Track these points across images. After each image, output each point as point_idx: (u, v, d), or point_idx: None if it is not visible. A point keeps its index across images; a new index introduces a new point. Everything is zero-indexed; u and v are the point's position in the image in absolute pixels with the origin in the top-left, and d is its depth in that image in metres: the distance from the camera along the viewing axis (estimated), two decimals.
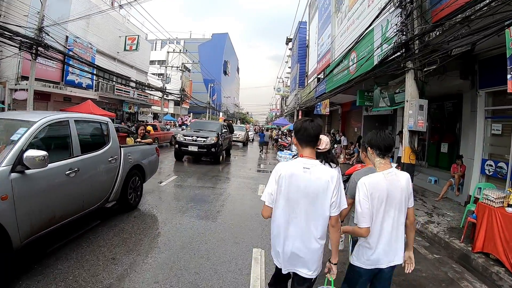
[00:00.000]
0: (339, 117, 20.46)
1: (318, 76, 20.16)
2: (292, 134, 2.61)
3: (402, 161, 6.15)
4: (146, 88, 27.88)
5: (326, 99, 14.02)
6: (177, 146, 12.65)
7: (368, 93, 10.65)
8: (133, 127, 17.84)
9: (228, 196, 7.49)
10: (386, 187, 2.07)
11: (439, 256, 4.64)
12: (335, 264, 2.08)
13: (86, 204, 4.26)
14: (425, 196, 8.11)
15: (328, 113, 16.09)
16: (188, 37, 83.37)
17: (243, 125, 36.93)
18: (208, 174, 10.27)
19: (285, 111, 43.30)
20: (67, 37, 19.85)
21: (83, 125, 4.53)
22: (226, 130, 14.95)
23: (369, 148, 2.25)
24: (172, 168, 11.14)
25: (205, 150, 12.27)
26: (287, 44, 44.76)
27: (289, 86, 47.05)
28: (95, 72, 21.08)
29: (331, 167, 2.65)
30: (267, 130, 34.22)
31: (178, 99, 31.82)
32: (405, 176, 2.17)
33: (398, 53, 6.00)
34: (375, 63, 7.29)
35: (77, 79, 21.09)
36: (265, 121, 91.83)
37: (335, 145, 16.92)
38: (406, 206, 2.18)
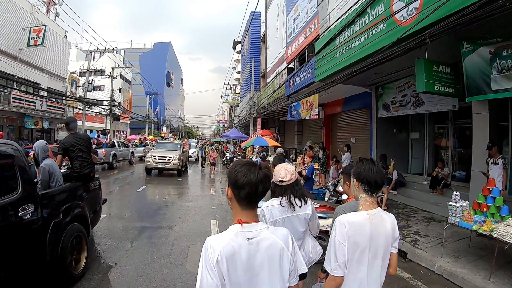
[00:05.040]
0: (321, 123, 15.06)
1: (290, 66, 15.17)
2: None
3: None
4: (63, 98, 21.65)
5: (315, 93, 9.69)
6: None
7: (438, 67, 5.54)
8: None
9: None
10: (369, 232, 1.71)
11: None
12: None
13: None
14: None
15: (316, 116, 11.39)
16: (129, 47, 76.17)
17: (177, 142, 21.77)
18: None
19: (235, 121, 38.49)
20: None
21: None
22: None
23: (355, 180, 1.84)
24: None
25: None
26: (234, 47, 41.32)
27: (239, 93, 43.24)
28: None
29: (305, 203, 2.34)
30: (218, 145, 27.81)
31: (107, 112, 25.72)
32: (390, 219, 1.83)
33: None
34: None
35: None
36: (212, 134, 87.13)
37: (331, 167, 11.67)
38: (389, 252, 1.82)
